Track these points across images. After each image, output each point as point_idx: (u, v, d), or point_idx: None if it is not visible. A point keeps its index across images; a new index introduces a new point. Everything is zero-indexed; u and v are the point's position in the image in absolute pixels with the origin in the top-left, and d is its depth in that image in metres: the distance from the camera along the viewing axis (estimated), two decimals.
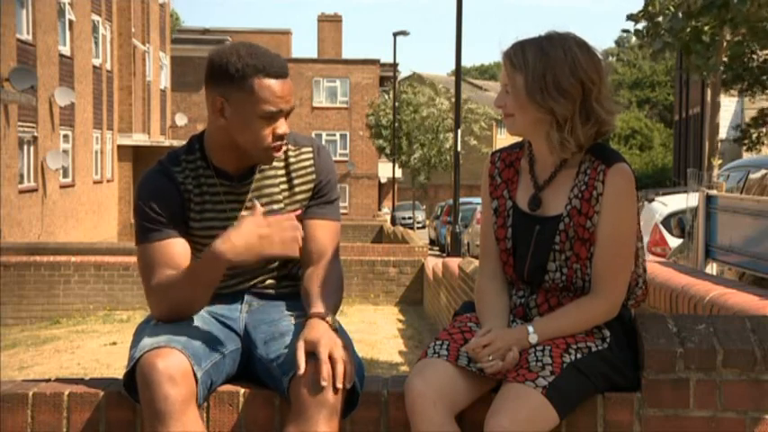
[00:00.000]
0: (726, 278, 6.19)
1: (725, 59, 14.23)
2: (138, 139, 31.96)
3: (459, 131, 20.33)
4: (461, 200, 22.82)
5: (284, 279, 2.84)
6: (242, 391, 2.65)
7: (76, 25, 25.81)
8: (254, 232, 2.52)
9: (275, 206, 2.75)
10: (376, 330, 12.35)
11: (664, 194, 12.73)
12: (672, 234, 9.47)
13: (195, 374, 2.50)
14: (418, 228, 42.23)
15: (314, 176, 2.78)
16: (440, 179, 50.75)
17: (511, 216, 2.69)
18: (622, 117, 56.61)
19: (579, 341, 2.56)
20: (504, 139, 51.42)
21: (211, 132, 2.72)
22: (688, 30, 12.34)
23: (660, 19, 12.51)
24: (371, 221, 34.52)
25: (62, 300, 14.10)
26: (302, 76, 51.36)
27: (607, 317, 2.60)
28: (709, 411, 2.61)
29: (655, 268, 5.15)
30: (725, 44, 12.68)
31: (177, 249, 2.67)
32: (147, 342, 2.53)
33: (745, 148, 25.30)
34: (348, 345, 2.55)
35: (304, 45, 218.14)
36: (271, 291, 2.81)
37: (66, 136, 25.18)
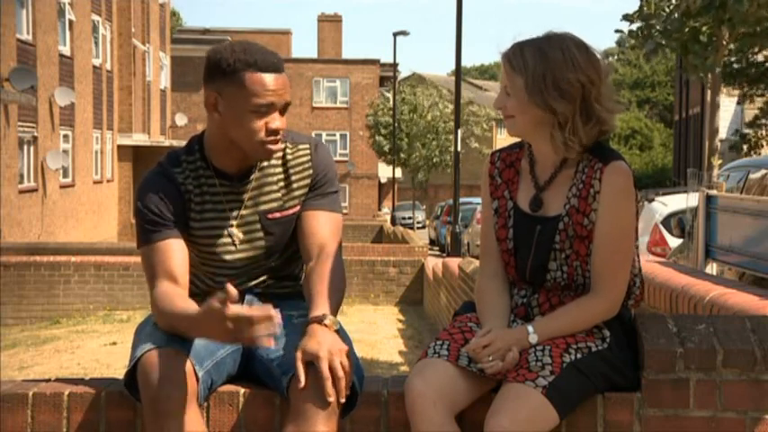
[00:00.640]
0: (726, 278, 6.19)
1: (725, 59, 14.23)
2: (138, 139, 31.96)
3: (461, 132, 20.33)
4: (461, 200, 22.82)
5: (285, 279, 2.84)
6: (242, 391, 2.65)
7: (76, 25, 25.81)
8: (214, 329, 2.34)
9: (274, 204, 2.75)
10: (376, 330, 12.35)
11: (664, 194, 12.72)
12: (672, 234, 9.46)
13: (196, 374, 2.51)
14: (418, 228, 42.21)
15: (311, 172, 2.77)
16: (440, 179, 50.75)
17: (512, 216, 2.69)
18: (622, 117, 56.56)
19: (579, 341, 2.56)
20: (503, 139, 51.39)
21: (209, 131, 2.73)
22: (686, 30, 12.35)
23: (654, 21, 12.52)
24: (371, 221, 34.51)
25: (62, 300, 14.10)
26: (302, 76, 51.36)
27: (607, 315, 2.60)
28: (709, 411, 2.61)
29: (655, 268, 5.15)
30: (723, 44, 12.67)
31: (178, 252, 2.67)
32: (148, 341, 2.53)
33: (743, 152, 25.34)
34: (348, 344, 2.54)
35: (304, 45, 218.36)
36: (271, 291, 2.81)
37: (66, 136, 25.18)
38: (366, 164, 52.74)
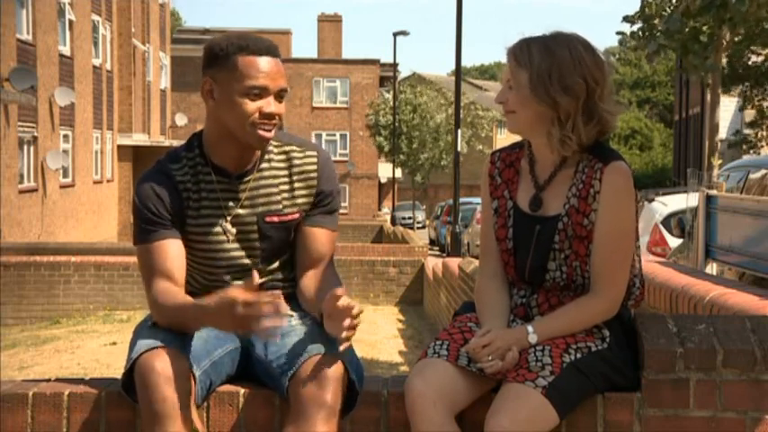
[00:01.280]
0: (726, 278, 6.19)
1: (725, 59, 14.24)
2: (138, 139, 31.96)
3: (462, 133, 20.32)
4: (461, 200, 22.82)
5: (284, 281, 2.84)
6: (242, 391, 2.65)
7: (76, 25, 25.80)
8: (228, 315, 2.39)
9: (273, 207, 2.75)
10: (376, 330, 12.34)
11: (664, 194, 12.72)
12: (672, 234, 9.46)
13: (193, 374, 2.51)
14: (418, 228, 42.22)
15: (316, 183, 2.78)
16: (440, 179, 50.73)
17: (512, 216, 2.69)
18: (622, 117, 56.56)
19: (579, 341, 2.56)
20: (504, 139, 51.40)
21: (207, 124, 2.75)
22: (686, 30, 12.34)
23: (656, 21, 12.52)
24: (371, 221, 34.49)
25: (62, 300, 14.10)
26: (302, 76, 51.36)
27: (607, 315, 2.61)
28: (709, 411, 2.61)
29: (655, 268, 5.15)
30: (724, 44, 12.68)
31: (175, 252, 2.67)
32: (144, 343, 2.53)
33: (743, 151, 25.37)
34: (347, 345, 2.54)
35: (304, 45, 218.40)
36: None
37: (66, 136, 25.18)
38: (366, 164, 52.74)
